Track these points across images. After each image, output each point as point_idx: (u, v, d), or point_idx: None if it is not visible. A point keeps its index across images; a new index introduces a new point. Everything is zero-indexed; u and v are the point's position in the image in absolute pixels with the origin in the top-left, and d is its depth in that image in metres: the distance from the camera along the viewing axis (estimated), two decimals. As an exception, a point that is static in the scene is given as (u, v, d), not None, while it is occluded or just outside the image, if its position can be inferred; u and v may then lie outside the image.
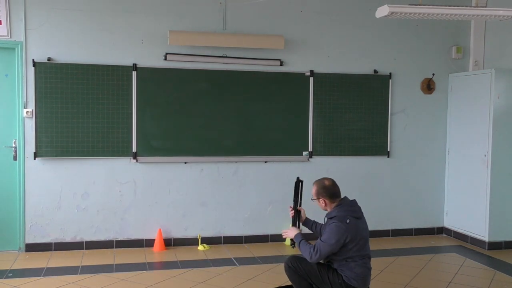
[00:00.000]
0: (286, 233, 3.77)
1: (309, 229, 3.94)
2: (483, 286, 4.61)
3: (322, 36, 6.12)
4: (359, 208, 3.65)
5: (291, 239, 3.72)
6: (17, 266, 4.99)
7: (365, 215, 3.58)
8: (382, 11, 4.47)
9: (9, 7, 5.25)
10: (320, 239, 3.49)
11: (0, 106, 5.38)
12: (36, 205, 5.44)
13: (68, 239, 5.54)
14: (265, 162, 5.98)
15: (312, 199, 3.71)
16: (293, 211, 3.84)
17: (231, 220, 5.98)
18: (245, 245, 5.94)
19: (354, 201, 3.67)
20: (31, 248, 5.44)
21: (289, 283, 4.39)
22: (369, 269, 3.59)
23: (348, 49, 6.19)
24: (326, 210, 3.66)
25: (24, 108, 5.31)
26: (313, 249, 3.49)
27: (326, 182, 3.66)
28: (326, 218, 3.64)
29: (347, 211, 3.53)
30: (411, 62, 6.42)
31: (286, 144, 6.04)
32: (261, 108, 5.92)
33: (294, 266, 3.62)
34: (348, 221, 3.45)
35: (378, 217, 6.34)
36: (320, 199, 3.63)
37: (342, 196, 3.66)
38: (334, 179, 3.69)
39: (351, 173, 6.21)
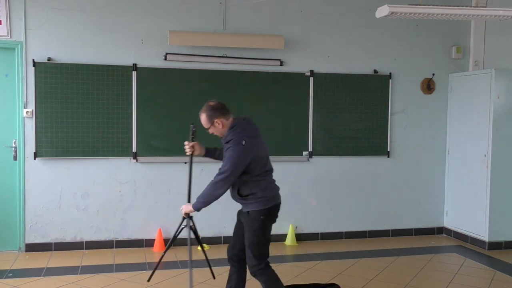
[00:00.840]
0: (182, 212, 3.69)
1: (214, 158, 3.81)
2: (483, 286, 4.61)
3: (322, 36, 6.11)
4: (255, 126, 3.52)
5: (187, 214, 3.66)
6: (17, 266, 4.99)
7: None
8: (382, 11, 4.46)
9: (9, 7, 5.25)
10: (219, 169, 3.44)
11: (0, 106, 5.38)
12: (36, 205, 5.44)
13: (68, 239, 5.54)
14: (265, 162, 5.97)
15: (208, 130, 3.49)
16: (191, 147, 3.71)
17: (231, 220, 5.93)
18: (245, 245, 5.92)
19: (247, 120, 3.50)
20: (31, 248, 5.44)
21: (289, 283, 4.39)
22: (275, 180, 3.58)
23: (348, 49, 6.19)
24: (224, 135, 3.48)
25: (24, 108, 5.31)
26: (214, 182, 3.44)
27: (211, 103, 3.45)
28: (223, 143, 3.52)
29: (242, 132, 3.40)
30: (411, 62, 6.41)
31: (286, 144, 6.03)
32: (261, 108, 5.91)
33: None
34: (244, 142, 3.35)
35: (378, 217, 6.34)
36: (216, 122, 3.42)
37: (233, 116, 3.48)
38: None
39: (351, 173, 6.19)
